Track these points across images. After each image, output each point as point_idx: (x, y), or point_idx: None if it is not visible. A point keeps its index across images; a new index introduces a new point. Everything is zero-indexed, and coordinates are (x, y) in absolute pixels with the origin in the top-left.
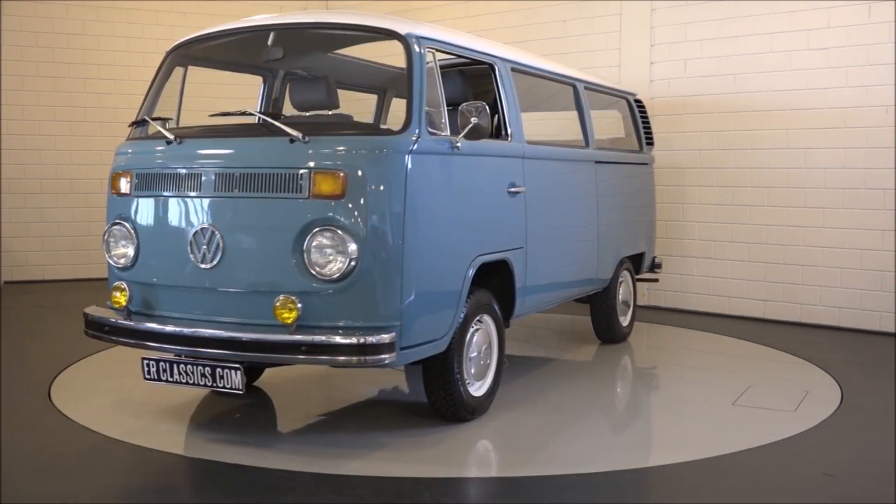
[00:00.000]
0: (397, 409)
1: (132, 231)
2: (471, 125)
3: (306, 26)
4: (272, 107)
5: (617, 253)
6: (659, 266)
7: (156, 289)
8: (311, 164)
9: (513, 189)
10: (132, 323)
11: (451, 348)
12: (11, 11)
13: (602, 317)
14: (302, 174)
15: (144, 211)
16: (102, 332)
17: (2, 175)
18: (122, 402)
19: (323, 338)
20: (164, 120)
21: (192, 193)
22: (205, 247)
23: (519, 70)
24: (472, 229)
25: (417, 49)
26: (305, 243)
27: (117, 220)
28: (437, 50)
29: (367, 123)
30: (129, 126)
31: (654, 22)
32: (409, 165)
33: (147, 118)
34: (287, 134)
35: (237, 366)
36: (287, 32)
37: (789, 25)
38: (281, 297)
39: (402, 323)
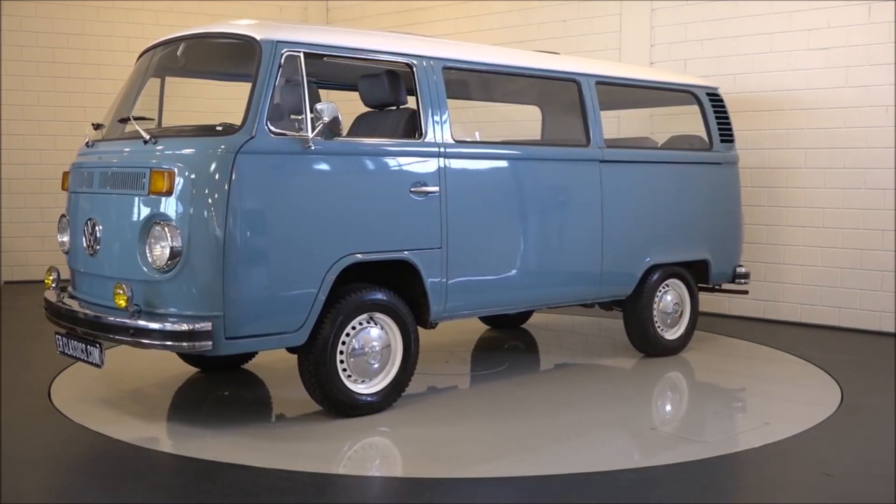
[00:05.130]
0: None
1: (68, 222)
2: (321, 124)
3: (186, 38)
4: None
5: (642, 258)
6: (744, 277)
7: (73, 273)
8: (151, 163)
9: (420, 189)
10: (53, 301)
11: (319, 344)
12: (11, 11)
13: (634, 327)
14: (144, 172)
15: (71, 205)
16: (45, 310)
17: (2, 175)
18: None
19: (147, 323)
20: (99, 126)
21: (88, 190)
22: (91, 237)
23: (465, 69)
24: (339, 228)
25: (268, 53)
26: (145, 236)
27: (63, 213)
28: (310, 53)
29: (211, 126)
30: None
31: (654, 22)
32: (239, 165)
33: (93, 123)
34: (141, 136)
35: (96, 343)
36: (180, 44)
37: (789, 25)
38: (121, 284)
39: (225, 313)
